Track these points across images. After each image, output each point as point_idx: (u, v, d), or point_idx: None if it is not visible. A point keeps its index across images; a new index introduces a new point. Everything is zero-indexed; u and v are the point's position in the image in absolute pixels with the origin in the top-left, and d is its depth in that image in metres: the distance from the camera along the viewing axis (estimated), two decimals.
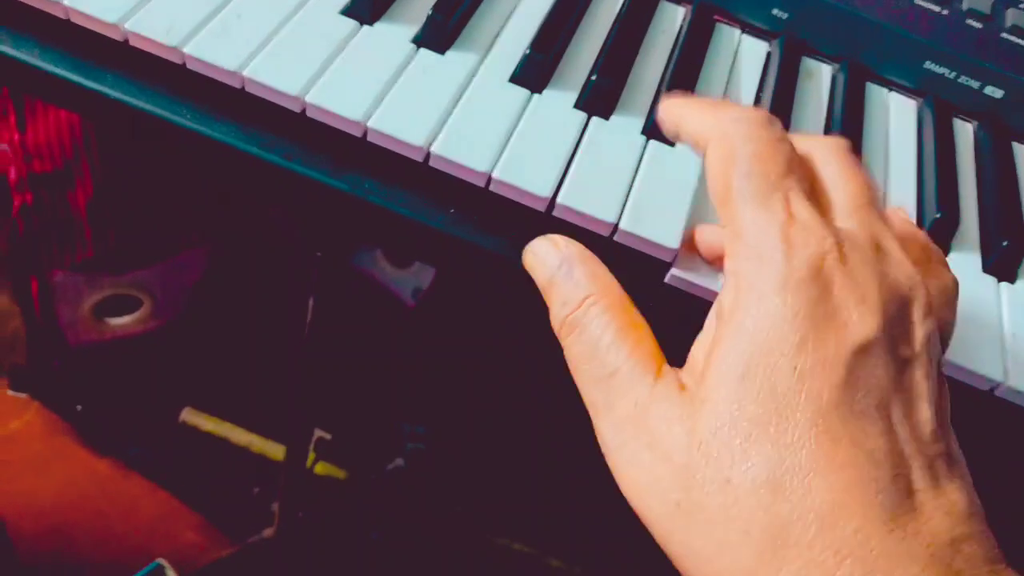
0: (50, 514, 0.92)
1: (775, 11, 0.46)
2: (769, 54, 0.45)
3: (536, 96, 0.38)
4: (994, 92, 0.46)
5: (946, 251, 0.40)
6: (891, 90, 0.47)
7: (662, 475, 0.24)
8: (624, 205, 0.35)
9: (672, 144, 0.38)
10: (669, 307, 0.33)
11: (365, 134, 0.34)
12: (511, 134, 0.36)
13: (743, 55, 0.45)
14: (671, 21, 0.45)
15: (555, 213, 0.34)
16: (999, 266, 0.40)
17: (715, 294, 0.32)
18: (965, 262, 0.40)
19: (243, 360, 0.94)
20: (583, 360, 0.27)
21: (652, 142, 0.38)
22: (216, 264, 0.89)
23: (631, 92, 0.40)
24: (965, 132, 0.46)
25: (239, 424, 0.99)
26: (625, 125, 0.38)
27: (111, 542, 0.92)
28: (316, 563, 0.94)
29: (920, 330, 0.25)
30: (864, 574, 0.21)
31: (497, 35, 0.40)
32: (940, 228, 0.40)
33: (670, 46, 0.44)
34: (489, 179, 0.34)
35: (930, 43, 0.45)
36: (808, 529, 0.22)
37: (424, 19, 0.38)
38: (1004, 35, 0.46)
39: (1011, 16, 0.46)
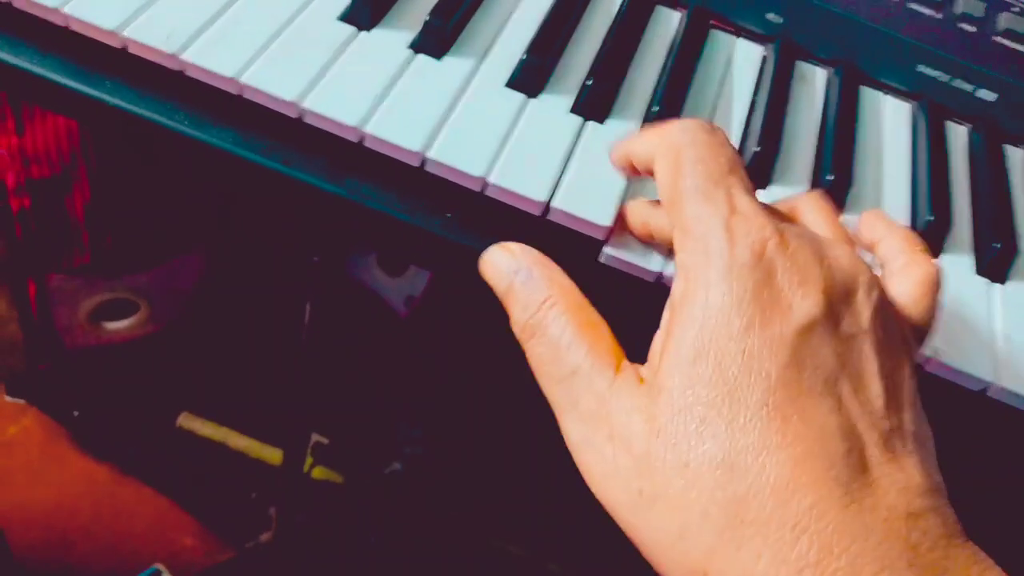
0: (47, 519, 0.92)
1: (770, 15, 0.46)
2: (764, 58, 0.46)
3: (532, 100, 0.38)
4: (987, 95, 0.46)
5: (939, 253, 0.40)
6: (885, 93, 0.47)
7: (624, 465, 0.24)
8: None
9: None
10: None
11: (362, 139, 0.35)
12: (507, 139, 0.36)
13: (738, 59, 0.45)
14: (666, 26, 0.46)
15: (551, 217, 0.35)
16: (991, 268, 0.40)
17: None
18: (958, 264, 0.40)
19: (240, 365, 0.94)
20: (544, 362, 0.27)
21: None
22: (213, 269, 0.89)
23: (626, 96, 0.40)
24: (958, 135, 0.47)
25: (236, 429, 0.99)
26: (620, 130, 0.39)
27: (109, 547, 0.92)
28: (314, 567, 0.94)
29: (864, 307, 0.25)
30: (820, 548, 0.22)
31: (494, 40, 0.40)
32: (932, 231, 0.40)
33: (665, 50, 0.44)
34: (485, 184, 0.34)
35: (924, 47, 0.45)
36: (764, 506, 0.22)
37: (421, 25, 0.38)
38: (997, 39, 0.46)
39: (1004, 20, 0.46)
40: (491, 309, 0.31)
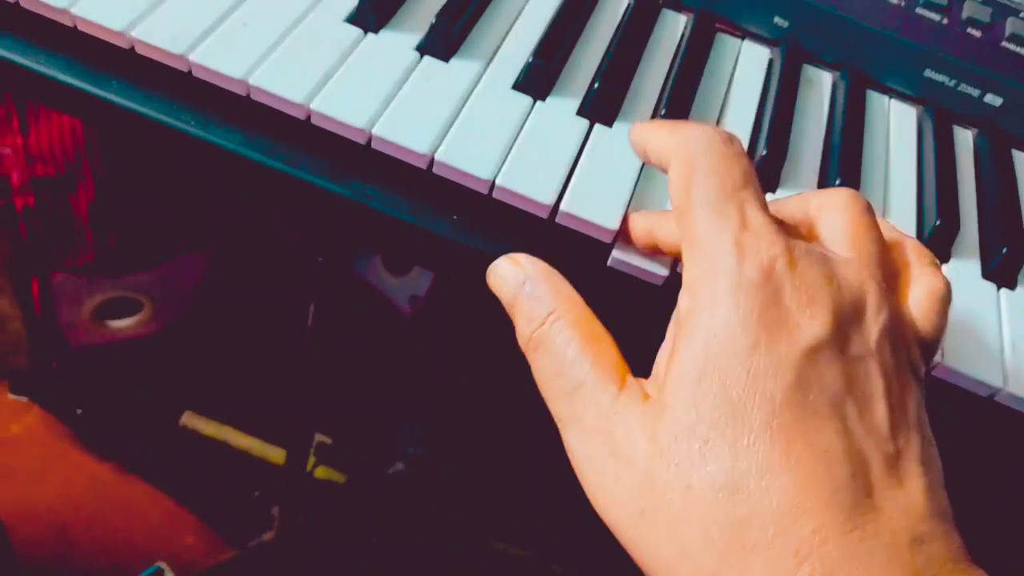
0: (50, 517, 0.92)
1: (777, 19, 0.46)
2: (771, 61, 0.46)
3: (539, 103, 0.38)
4: (993, 100, 0.46)
5: (946, 258, 0.40)
6: (892, 97, 0.47)
7: (627, 483, 0.24)
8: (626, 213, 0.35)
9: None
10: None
11: (369, 141, 0.35)
12: (514, 141, 0.36)
13: (745, 63, 0.45)
14: (673, 29, 0.46)
15: (558, 220, 0.35)
16: (999, 272, 0.40)
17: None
18: (965, 268, 0.40)
19: (244, 364, 0.94)
20: (549, 375, 0.27)
21: None
22: (217, 267, 0.89)
23: (634, 100, 0.40)
24: (965, 139, 0.47)
25: (239, 428, 0.99)
26: (627, 134, 0.39)
27: (111, 546, 0.92)
28: (316, 567, 0.94)
29: (872, 328, 0.25)
30: (823, 574, 0.21)
31: (501, 43, 0.40)
32: (940, 235, 0.40)
33: (672, 54, 0.44)
34: (492, 186, 0.34)
35: (930, 51, 0.45)
36: (767, 530, 0.22)
37: (428, 27, 0.38)
38: (1003, 44, 0.46)
39: (1010, 25, 0.46)
40: (494, 310, 0.31)
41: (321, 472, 0.97)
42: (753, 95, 0.43)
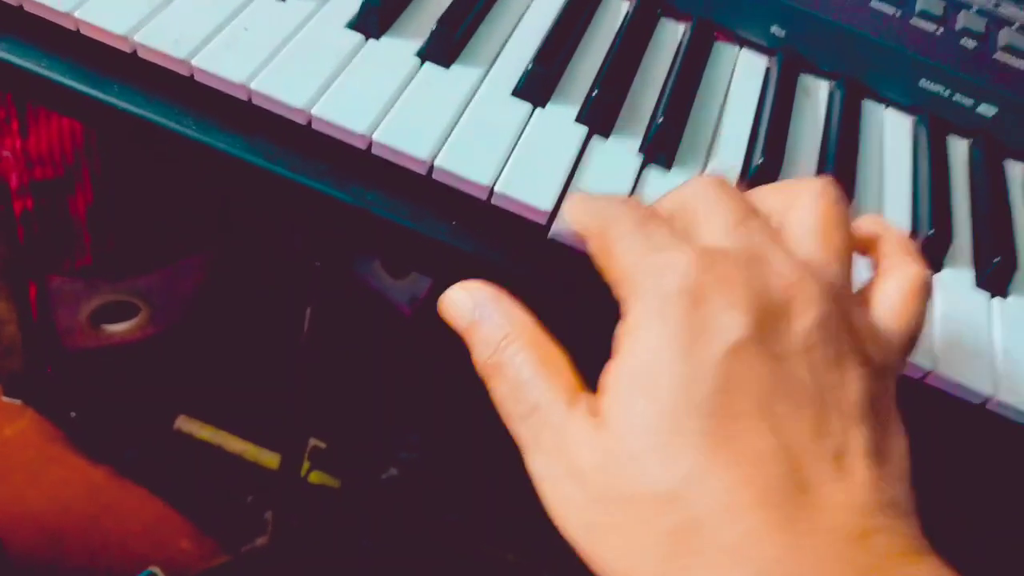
0: (43, 521, 0.92)
1: (774, 28, 0.46)
2: (768, 70, 0.46)
3: (539, 110, 0.38)
4: (987, 110, 0.46)
5: (939, 267, 0.40)
6: (887, 107, 0.47)
7: (577, 497, 0.25)
8: None
9: (668, 167, 0.38)
10: None
11: (370, 147, 0.35)
12: (513, 148, 0.36)
13: (742, 71, 0.46)
14: (671, 37, 0.46)
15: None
16: (991, 281, 0.40)
17: None
18: (958, 277, 0.40)
19: (239, 368, 0.94)
20: (507, 400, 0.27)
21: (650, 164, 0.38)
22: (214, 272, 0.89)
23: (632, 107, 0.41)
24: (959, 149, 0.47)
25: (234, 432, 0.99)
26: (625, 140, 0.39)
27: (104, 549, 0.91)
28: (309, 572, 0.94)
29: (800, 324, 0.25)
30: (759, 574, 0.22)
31: (501, 49, 0.41)
32: (933, 245, 0.40)
33: (670, 62, 0.44)
34: (491, 192, 0.35)
35: (925, 61, 0.46)
36: (703, 534, 0.22)
37: (429, 33, 0.38)
38: (997, 54, 0.46)
39: (1004, 36, 0.47)
40: None
41: (315, 477, 0.97)
42: (750, 103, 0.44)
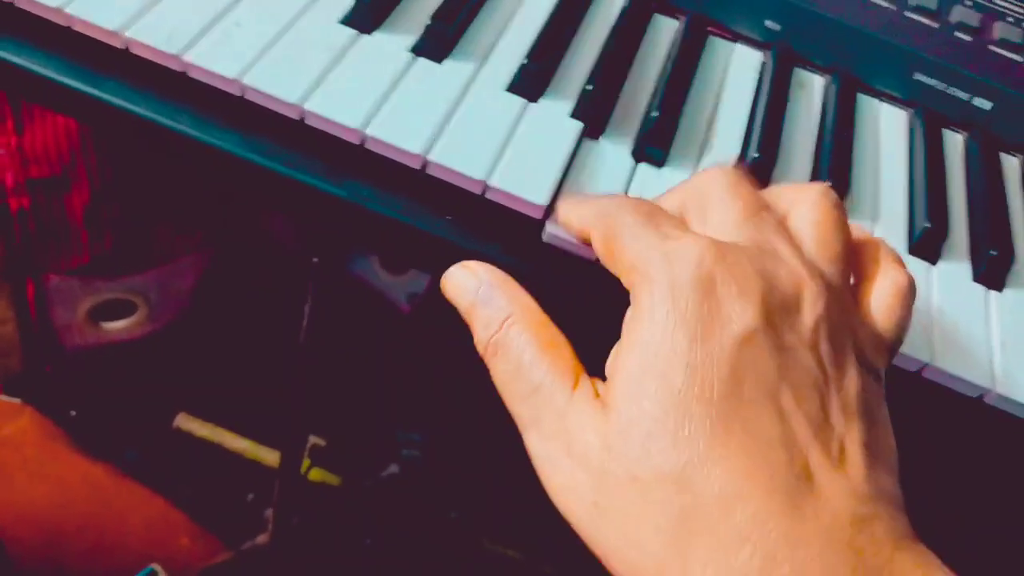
0: (43, 519, 0.92)
1: (768, 23, 0.46)
2: (762, 64, 0.46)
3: (532, 105, 0.38)
4: (983, 104, 0.46)
5: (936, 260, 0.40)
6: (882, 101, 0.47)
7: (580, 479, 0.25)
8: None
9: (662, 162, 0.38)
10: None
11: (364, 142, 0.35)
12: (508, 142, 0.36)
13: (736, 66, 0.46)
14: (665, 33, 0.46)
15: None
16: (988, 275, 0.40)
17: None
18: (954, 271, 0.40)
19: (238, 366, 0.94)
20: (508, 380, 0.28)
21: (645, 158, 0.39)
22: (212, 269, 0.89)
23: (626, 102, 0.41)
24: (954, 143, 0.47)
25: (234, 430, 0.99)
26: (620, 135, 0.39)
27: (104, 547, 0.91)
28: (310, 569, 0.94)
29: (807, 318, 0.26)
30: (764, 556, 0.22)
31: (494, 45, 0.41)
32: (929, 238, 0.40)
33: (664, 57, 0.44)
34: (485, 186, 0.35)
35: (920, 55, 0.46)
36: (709, 516, 0.23)
37: (422, 29, 0.38)
38: (993, 48, 0.46)
39: (999, 29, 0.47)
40: None
41: (316, 474, 0.97)
42: (745, 98, 0.44)
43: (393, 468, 0.98)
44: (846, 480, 0.24)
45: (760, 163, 0.40)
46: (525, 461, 0.28)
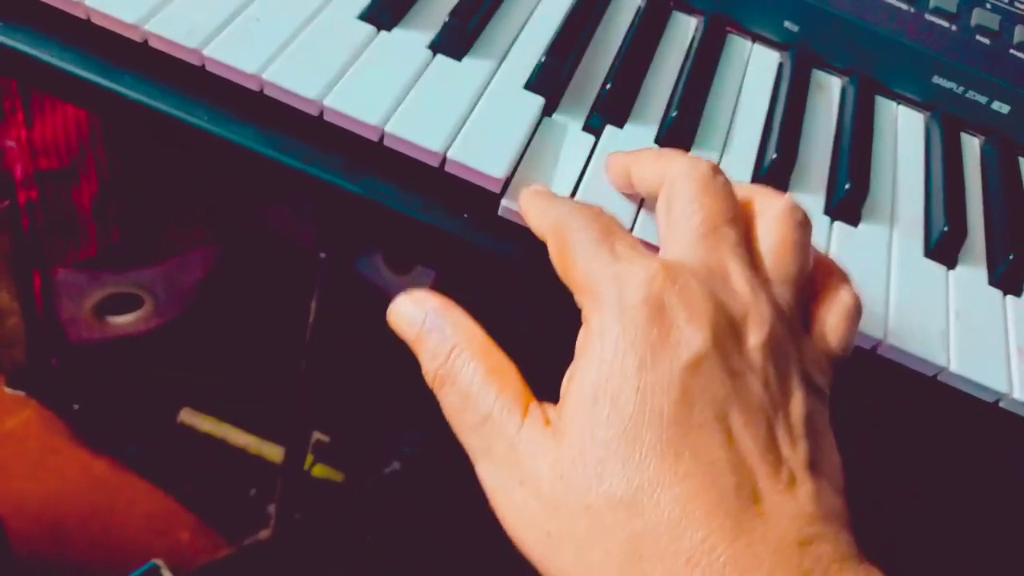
0: (46, 513, 0.92)
1: (787, 23, 0.46)
2: (781, 65, 0.46)
3: (551, 103, 0.38)
4: (1001, 107, 0.46)
5: (953, 264, 0.40)
6: (900, 103, 0.47)
7: (533, 508, 0.25)
8: (636, 217, 0.35)
9: None
10: None
11: (382, 138, 0.35)
12: (527, 142, 0.36)
13: (755, 66, 0.45)
14: (684, 31, 0.46)
15: None
16: (1005, 279, 0.40)
17: None
18: (972, 275, 0.40)
19: (243, 361, 0.94)
20: (457, 410, 0.28)
21: None
22: (219, 264, 0.89)
23: (644, 100, 0.41)
24: (972, 146, 0.47)
25: (237, 425, 0.99)
26: (638, 134, 0.39)
27: (107, 541, 0.91)
28: (312, 565, 0.94)
29: (753, 341, 0.26)
30: None
31: (513, 42, 0.40)
32: (947, 241, 0.40)
33: (683, 56, 0.44)
34: (505, 185, 0.34)
35: (939, 58, 0.46)
36: (659, 542, 0.23)
37: (441, 25, 0.38)
38: (1012, 51, 0.46)
39: (1019, 33, 0.46)
40: (493, 310, 0.31)
41: (319, 471, 0.97)
42: (763, 99, 0.44)
43: (396, 465, 0.97)
44: (793, 502, 0.24)
45: (778, 164, 0.39)
46: None
